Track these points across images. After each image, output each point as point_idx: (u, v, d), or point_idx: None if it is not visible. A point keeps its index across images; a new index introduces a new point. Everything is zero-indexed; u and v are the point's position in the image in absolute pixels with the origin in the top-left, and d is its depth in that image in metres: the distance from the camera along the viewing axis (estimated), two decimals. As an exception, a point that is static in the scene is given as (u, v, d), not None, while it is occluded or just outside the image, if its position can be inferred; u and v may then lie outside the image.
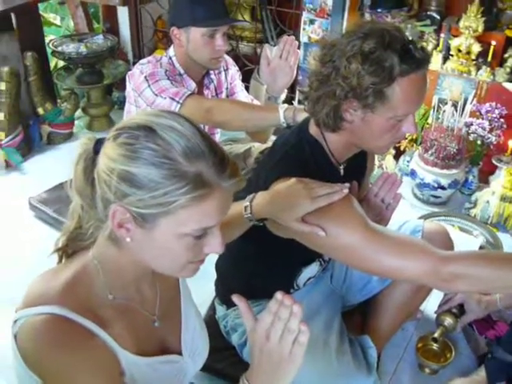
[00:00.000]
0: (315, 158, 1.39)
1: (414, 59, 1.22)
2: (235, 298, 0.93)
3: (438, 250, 1.26)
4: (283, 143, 1.48)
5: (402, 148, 2.79)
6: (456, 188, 2.56)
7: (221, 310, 1.72)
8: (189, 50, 2.02)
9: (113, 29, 3.57)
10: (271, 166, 1.43)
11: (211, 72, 2.20)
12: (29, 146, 3.11)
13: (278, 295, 0.90)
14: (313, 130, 1.41)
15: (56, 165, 2.95)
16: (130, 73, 2.09)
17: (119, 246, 0.93)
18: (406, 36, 1.25)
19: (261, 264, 1.55)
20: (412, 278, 1.26)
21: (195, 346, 1.17)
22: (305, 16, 2.65)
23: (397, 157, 2.84)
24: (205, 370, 1.72)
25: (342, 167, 1.46)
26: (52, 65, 3.60)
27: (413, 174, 2.59)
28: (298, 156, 1.39)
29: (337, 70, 1.26)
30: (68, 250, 1.02)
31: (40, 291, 0.93)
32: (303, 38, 2.72)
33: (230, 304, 1.67)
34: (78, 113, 3.43)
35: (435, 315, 1.82)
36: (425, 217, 2.43)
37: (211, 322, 1.75)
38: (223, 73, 2.26)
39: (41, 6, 3.61)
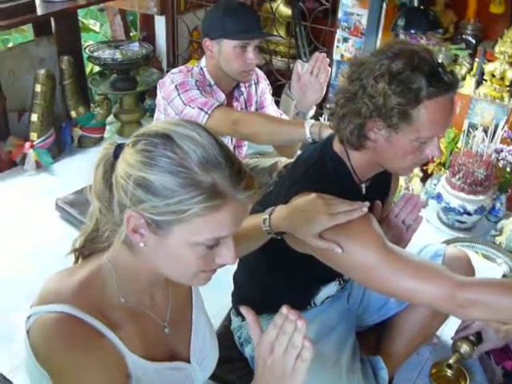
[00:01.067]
0: (337, 175, 1.39)
1: (442, 82, 1.22)
2: (243, 310, 0.94)
3: (455, 275, 1.24)
4: (306, 158, 1.49)
5: (429, 171, 2.77)
6: (482, 214, 2.52)
7: (236, 322, 1.71)
8: (220, 62, 2.04)
9: (149, 37, 3.63)
10: (292, 181, 1.43)
11: (241, 84, 2.22)
12: (60, 148, 3.18)
13: (284, 309, 0.90)
14: (337, 146, 1.41)
15: (84, 168, 2.97)
16: (161, 81, 2.12)
17: (133, 251, 0.94)
18: (435, 59, 1.25)
19: (278, 279, 1.55)
20: (428, 302, 1.24)
21: (204, 354, 1.17)
22: (339, 34, 2.66)
23: (424, 180, 2.81)
24: (215, 380, 1.73)
25: (364, 186, 1.45)
26: (88, 70, 3.68)
27: (439, 197, 2.56)
28: (319, 172, 1.39)
29: (364, 88, 1.26)
30: (85, 252, 1.04)
31: (54, 289, 0.95)
32: (336, 56, 2.73)
33: (243, 316, 1.67)
34: (110, 118, 3.49)
35: (452, 341, 1.79)
36: (448, 242, 2.40)
37: (226, 333, 1.75)
38: (254, 86, 2.28)
39: (81, 11, 3.71)
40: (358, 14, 2.50)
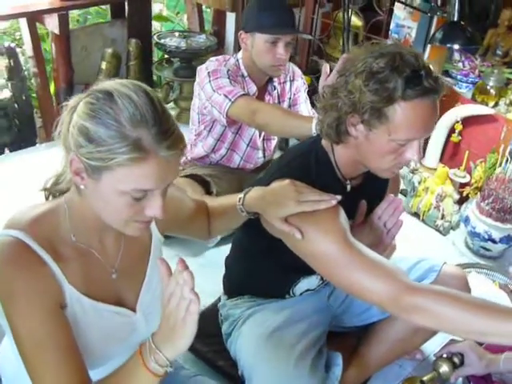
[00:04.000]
0: (319, 169, 1.43)
1: (421, 86, 1.23)
2: (159, 260, 1.00)
3: (408, 280, 1.25)
4: (295, 149, 1.54)
5: (464, 194, 2.70)
6: (508, 244, 2.43)
7: (223, 299, 1.78)
8: (252, 55, 2.12)
9: (220, 32, 3.78)
10: (275, 170, 1.49)
11: (275, 80, 2.29)
12: (118, 124, 3.37)
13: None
14: (324, 141, 1.45)
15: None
16: (198, 68, 2.24)
17: (80, 194, 1.04)
18: (421, 63, 1.26)
19: (260, 264, 1.59)
20: (374, 301, 1.25)
21: (153, 308, 1.23)
22: (389, 45, 2.65)
23: (460, 203, 2.74)
24: (190, 350, 1.81)
25: (349, 183, 1.48)
26: (159, 56, 3.88)
27: (466, 220, 2.50)
28: (301, 164, 1.44)
29: (346, 84, 1.30)
30: (55, 193, 1.16)
31: (17, 218, 1.06)
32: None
33: (229, 295, 1.73)
34: (172, 104, 3.66)
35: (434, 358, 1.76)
36: (466, 266, 2.34)
37: (214, 310, 1.82)
38: (288, 83, 2.34)
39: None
40: (408, 27, 2.49)
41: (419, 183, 2.68)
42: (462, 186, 2.75)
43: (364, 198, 1.53)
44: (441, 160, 2.90)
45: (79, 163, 0.97)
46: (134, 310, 1.20)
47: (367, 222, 1.55)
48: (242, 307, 1.67)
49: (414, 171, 2.71)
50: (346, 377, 1.72)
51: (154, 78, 3.79)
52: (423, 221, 2.71)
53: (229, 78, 2.10)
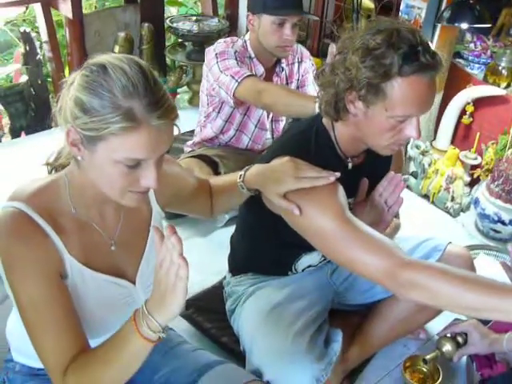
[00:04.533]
0: (318, 146, 1.44)
1: (418, 62, 1.23)
2: (153, 229, 1.02)
3: (405, 256, 1.26)
4: (295, 127, 1.55)
5: (475, 176, 2.68)
6: (518, 226, 2.41)
7: (227, 277, 1.80)
8: (259, 36, 2.14)
9: (232, 16, 3.78)
10: (276, 147, 1.50)
11: (283, 61, 2.29)
12: (131, 108, 3.41)
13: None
14: (325, 119, 1.46)
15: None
16: (206, 49, 2.26)
17: (79, 166, 1.07)
18: (419, 39, 1.26)
19: (262, 240, 1.62)
20: (371, 276, 1.26)
21: (152, 280, 1.28)
22: (399, 26, 2.63)
23: (471, 185, 2.72)
24: (195, 326, 1.85)
25: (350, 161, 1.48)
26: (172, 40, 3.90)
27: (476, 202, 2.48)
28: (301, 141, 1.45)
29: (344, 61, 1.31)
30: (57, 166, 1.19)
31: (19, 190, 1.10)
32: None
33: (234, 272, 1.76)
34: (185, 88, 3.69)
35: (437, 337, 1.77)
36: (474, 247, 2.33)
37: (220, 288, 1.86)
38: (296, 64, 2.35)
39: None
40: (418, 8, 2.47)
41: (429, 165, 2.67)
42: (473, 168, 2.73)
43: (366, 176, 1.54)
44: (452, 142, 2.88)
45: (75, 134, 1.00)
46: (133, 282, 1.23)
47: (368, 200, 1.55)
48: (245, 284, 1.70)
49: (424, 153, 2.69)
50: (349, 354, 1.75)
51: (168, 61, 3.80)
52: (433, 203, 2.70)
53: (236, 59, 2.12)
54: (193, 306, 1.87)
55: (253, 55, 2.21)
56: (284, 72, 2.32)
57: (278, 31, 2.07)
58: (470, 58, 2.75)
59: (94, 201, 1.13)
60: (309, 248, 1.59)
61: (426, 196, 2.74)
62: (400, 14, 2.61)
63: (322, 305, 1.64)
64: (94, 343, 1.11)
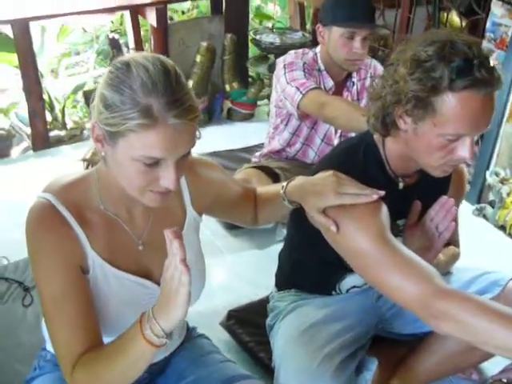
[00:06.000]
0: (366, 162, 1.38)
1: (471, 77, 1.15)
2: (165, 231, 1.00)
3: (443, 284, 1.17)
4: (346, 142, 1.50)
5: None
6: None
7: (273, 292, 1.77)
8: (329, 48, 2.10)
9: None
10: (324, 160, 1.46)
11: (355, 75, 2.24)
12: (210, 117, 3.48)
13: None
14: (376, 135, 1.40)
15: (226, 137, 3.27)
16: (277, 60, 2.25)
17: (105, 161, 1.08)
18: (476, 52, 1.17)
19: (306, 256, 1.58)
20: (404, 302, 1.19)
21: None
22: (484, 45, 2.48)
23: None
24: (234, 338, 1.83)
25: (400, 180, 1.41)
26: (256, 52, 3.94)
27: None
28: (349, 156, 1.40)
29: (393, 72, 1.25)
30: (93, 163, 1.22)
31: (53, 182, 1.14)
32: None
33: (279, 287, 1.72)
34: (265, 100, 3.70)
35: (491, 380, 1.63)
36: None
37: (266, 302, 1.82)
38: (369, 79, 2.28)
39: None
40: (506, 25, 2.31)
41: (508, 194, 2.49)
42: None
43: (419, 197, 1.45)
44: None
45: (99, 130, 1.02)
46: (159, 284, 1.23)
47: (420, 224, 1.47)
48: (287, 300, 1.66)
49: (503, 181, 2.52)
50: (390, 387, 1.65)
51: (253, 73, 3.84)
52: (510, 235, 2.52)
53: (304, 70, 2.09)
54: (234, 317, 1.85)
55: (322, 68, 2.18)
56: (355, 87, 2.26)
57: (347, 44, 2.02)
58: None
59: (121, 198, 1.14)
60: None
61: (502, 227, 2.56)
62: (486, 32, 2.47)
63: (363, 329, 1.56)
64: (110, 340, 1.10)
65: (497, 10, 2.36)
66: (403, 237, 1.48)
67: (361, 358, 1.48)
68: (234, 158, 2.81)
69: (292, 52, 2.22)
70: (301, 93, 2.02)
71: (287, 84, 2.09)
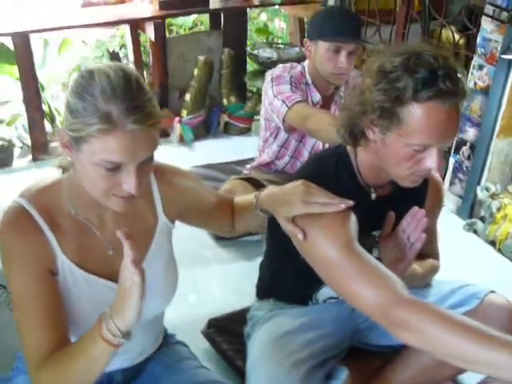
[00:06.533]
0: (338, 173, 1.40)
1: (436, 87, 1.16)
2: (118, 232, 1.01)
3: (406, 294, 1.17)
4: (320, 152, 1.52)
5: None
6: None
7: (253, 301, 1.78)
8: (316, 63, 2.13)
9: (316, 46, 3.80)
10: (298, 171, 1.48)
11: (342, 89, 2.26)
12: (207, 130, 3.52)
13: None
14: (349, 146, 1.41)
15: (221, 151, 3.30)
16: (266, 73, 2.27)
17: (74, 168, 1.11)
18: (442, 64, 1.18)
19: (282, 266, 1.59)
20: (365, 309, 1.20)
21: (149, 295, 1.27)
22: (475, 60, 2.50)
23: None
24: (213, 346, 1.84)
25: (373, 191, 1.42)
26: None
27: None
28: (321, 166, 1.43)
29: (361, 83, 1.27)
30: (67, 168, 1.25)
31: (28, 188, 1.17)
32: (470, 83, 2.57)
33: (259, 297, 1.74)
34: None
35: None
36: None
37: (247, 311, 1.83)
38: (356, 93, 2.30)
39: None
40: (495, 41, 2.32)
41: (498, 210, 2.49)
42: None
43: (395, 209, 1.45)
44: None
45: (66, 136, 1.05)
46: None
47: (393, 235, 1.47)
48: (265, 310, 1.66)
49: (493, 196, 2.52)
50: (364, 400, 1.64)
51: (251, 88, 3.88)
52: (499, 250, 2.51)
53: (291, 84, 2.12)
54: (214, 325, 1.86)
55: (310, 82, 2.20)
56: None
57: (333, 58, 2.05)
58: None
59: (92, 203, 1.16)
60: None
61: (492, 242, 2.55)
62: (476, 47, 2.49)
63: (336, 339, 1.56)
64: None
65: (487, 25, 2.37)
66: (378, 248, 1.49)
67: (331, 367, 1.47)
68: (227, 170, 2.84)
69: (280, 66, 2.25)
70: (286, 106, 2.04)
71: (274, 97, 2.12)
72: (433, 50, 1.23)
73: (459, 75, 1.21)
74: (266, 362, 1.43)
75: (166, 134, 3.45)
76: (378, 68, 1.22)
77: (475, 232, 2.64)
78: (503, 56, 2.20)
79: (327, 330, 1.56)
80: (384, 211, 1.46)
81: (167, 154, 3.21)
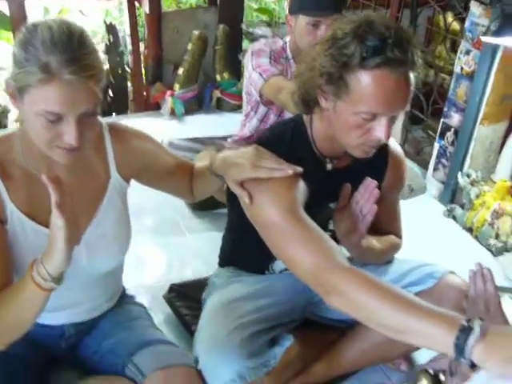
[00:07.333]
0: (293, 141, 1.40)
1: (383, 55, 1.16)
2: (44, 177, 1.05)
3: (342, 261, 1.18)
4: (281, 121, 1.52)
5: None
6: None
7: (216, 269, 1.80)
8: (296, 37, 2.12)
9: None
10: (257, 137, 1.48)
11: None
12: (200, 105, 3.54)
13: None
14: (305, 115, 1.41)
15: (211, 126, 3.31)
16: (248, 47, 2.27)
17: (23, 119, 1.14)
18: (393, 33, 1.17)
19: (240, 235, 1.61)
20: (300, 274, 1.21)
21: (98, 249, 1.30)
22: (463, 44, 2.47)
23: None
24: (172, 310, 1.86)
25: (329, 161, 1.43)
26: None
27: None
28: (276, 134, 1.44)
29: (313, 50, 1.27)
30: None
31: None
32: (457, 68, 2.55)
33: (220, 265, 1.76)
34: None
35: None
36: (501, 289, 2.11)
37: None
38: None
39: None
40: (483, 25, 2.30)
41: (477, 197, 2.47)
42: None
43: (352, 182, 1.45)
44: (513, 176, 2.64)
45: (11, 86, 1.08)
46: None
47: (347, 208, 1.47)
48: (223, 277, 1.68)
49: (473, 183, 2.51)
50: (313, 370, 1.66)
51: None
52: (476, 237, 2.50)
53: (270, 58, 2.12)
54: (175, 291, 1.89)
55: (290, 56, 2.20)
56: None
57: (312, 32, 2.04)
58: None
59: (41, 155, 1.17)
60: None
61: (470, 229, 2.54)
62: (464, 31, 2.46)
63: (287, 308, 1.57)
64: None
65: (475, 9, 2.34)
66: (333, 219, 1.49)
67: (278, 335, 1.49)
68: (212, 144, 2.84)
69: (262, 40, 2.24)
70: (263, 79, 2.04)
71: (253, 70, 2.12)
72: (387, 20, 1.23)
73: (412, 46, 1.21)
74: (212, 324, 1.45)
75: (157, 107, 3.47)
76: (330, 35, 1.22)
77: (454, 218, 2.63)
78: (483, 38, 2.17)
79: (279, 298, 1.57)
80: (341, 183, 1.45)
81: (158, 125, 3.28)
